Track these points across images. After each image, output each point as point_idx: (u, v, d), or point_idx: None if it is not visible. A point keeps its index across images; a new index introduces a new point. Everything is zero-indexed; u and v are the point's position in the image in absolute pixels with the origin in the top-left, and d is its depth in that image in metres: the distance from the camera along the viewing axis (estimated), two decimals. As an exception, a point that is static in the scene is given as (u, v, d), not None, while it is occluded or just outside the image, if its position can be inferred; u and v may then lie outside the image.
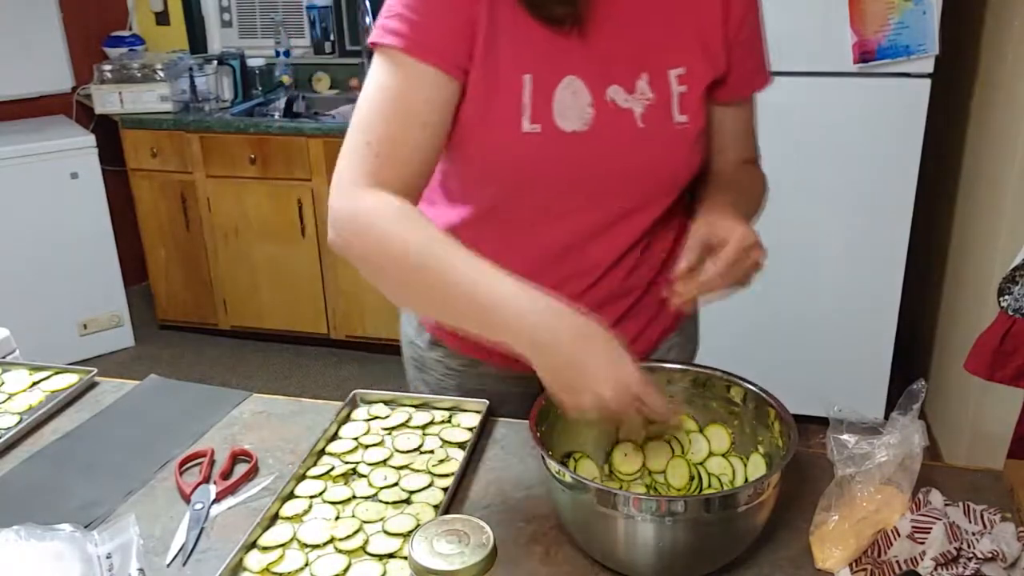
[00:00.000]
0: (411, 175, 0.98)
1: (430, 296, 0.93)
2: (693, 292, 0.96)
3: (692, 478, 1.01)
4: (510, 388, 1.20)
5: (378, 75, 0.98)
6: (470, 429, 1.14)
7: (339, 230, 0.96)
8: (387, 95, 0.97)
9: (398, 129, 0.97)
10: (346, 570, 0.91)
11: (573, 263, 1.10)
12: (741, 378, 1.01)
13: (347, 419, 1.18)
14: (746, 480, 0.99)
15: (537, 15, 0.98)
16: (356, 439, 1.12)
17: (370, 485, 1.04)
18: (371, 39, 0.99)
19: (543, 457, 0.89)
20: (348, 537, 0.95)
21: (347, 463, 1.08)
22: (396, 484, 1.04)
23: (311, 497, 1.02)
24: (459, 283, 0.89)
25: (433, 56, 0.96)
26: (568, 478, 0.87)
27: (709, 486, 1.00)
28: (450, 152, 1.05)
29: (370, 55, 1.01)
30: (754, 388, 0.99)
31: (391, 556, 0.92)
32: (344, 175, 0.98)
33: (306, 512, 1.00)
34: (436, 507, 1.00)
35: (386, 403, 1.20)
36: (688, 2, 1.03)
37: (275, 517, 0.99)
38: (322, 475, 1.06)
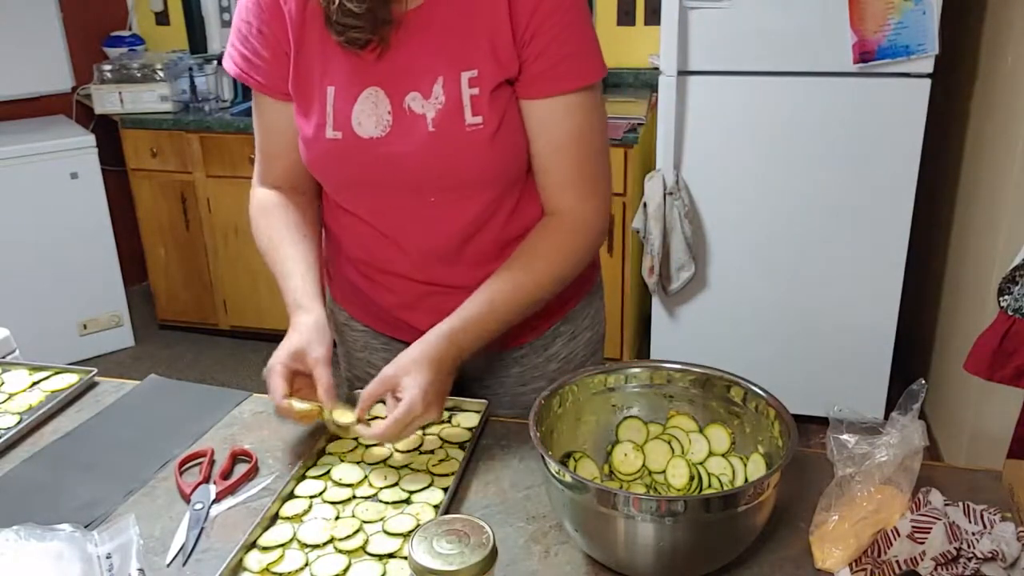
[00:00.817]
0: (284, 171, 1.24)
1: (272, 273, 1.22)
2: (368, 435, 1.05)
3: (692, 478, 1.01)
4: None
5: (252, 99, 1.23)
6: (470, 429, 1.15)
7: (250, 218, 1.26)
8: (254, 118, 1.23)
9: (264, 141, 1.24)
10: (346, 570, 0.91)
11: (410, 250, 1.19)
12: (741, 378, 1.01)
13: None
14: (746, 480, 0.99)
15: (341, 40, 1.08)
16: (356, 439, 1.12)
17: (370, 485, 1.04)
18: (224, 66, 1.22)
19: (543, 457, 0.89)
20: (348, 537, 0.95)
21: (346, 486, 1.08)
22: (396, 484, 1.04)
23: (311, 497, 1.02)
24: (277, 275, 1.22)
25: (261, 86, 1.18)
26: (568, 478, 0.87)
27: (709, 486, 1.00)
28: None
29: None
30: (754, 388, 0.99)
31: (391, 556, 0.92)
32: (253, 178, 1.28)
33: (306, 512, 1.00)
34: (436, 507, 1.00)
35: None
36: (481, 6, 1.07)
37: (275, 517, 0.99)
38: (322, 475, 1.06)
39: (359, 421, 1.06)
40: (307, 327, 1.14)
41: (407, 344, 1.10)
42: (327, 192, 1.23)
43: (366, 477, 1.06)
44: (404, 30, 1.08)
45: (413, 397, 1.01)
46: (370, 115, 1.10)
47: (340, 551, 0.93)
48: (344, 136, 1.11)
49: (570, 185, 1.14)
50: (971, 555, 0.86)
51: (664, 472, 1.03)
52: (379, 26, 1.06)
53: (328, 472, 1.07)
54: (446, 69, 1.08)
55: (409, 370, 1.04)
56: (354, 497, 1.02)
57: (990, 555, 0.86)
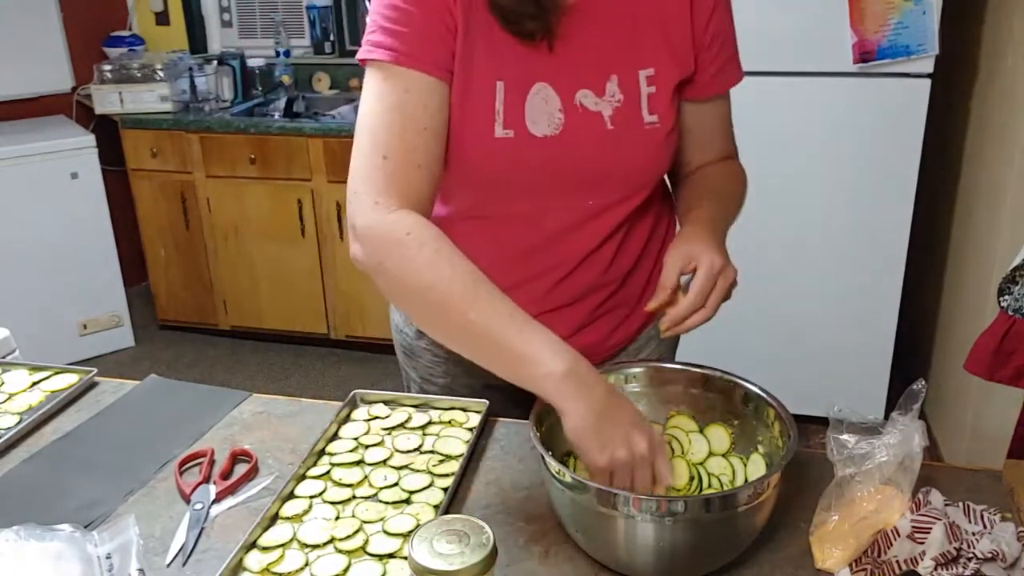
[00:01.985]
0: (423, 181, 1.00)
1: (457, 334, 0.96)
2: (675, 324, 1.00)
3: (692, 478, 1.01)
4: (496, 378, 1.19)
5: (376, 89, 0.99)
6: (470, 429, 1.14)
7: (369, 250, 0.96)
8: (389, 107, 0.98)
9: (407, 139, 0.98)
10: (346, 570, 0.91)
11: (549, 258, 1.13)
12: (741, 378, 1.01)
13: (347, 419, 1.18)
14: (746, 480, 0.99)
15: (509, 29, 1.01)
16: (356, 439, 1.12)
17: (370, 485, 1.04)
18: (360, 56, 1.01)
19: (543, 457, 0.89)
20: (348, 537, 0.95)
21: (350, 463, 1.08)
22: (396, 484, 1.04)
23: (311, 497, 1.02)
24: (488, 329, 0.92)
25: (422, 63, 0.98)
26: (568, 478, 0.87)
27: (709, 486, 1.00)
28: None
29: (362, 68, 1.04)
30: (754, 388, 0.99)
31: (391, 556, 0.92)
32: (365, 191, 0.97)
33: (306, 512, 1.00)
34: (436, 507, 1.00)
35: (386, 403, 1.20)
36: (655, 3, 1.06)
37: (275, 517, 0.99)
38: (322, 475, 1.06)
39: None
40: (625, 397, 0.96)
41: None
42: (448, 202, 1.13)
43: (366, 477, 1.06)
44: (570, 24, 1.03)
45: (711, 257, 1.02)
46: (542, 112, 1.04)
47: (340, 551, 0.93)
48: (517, 135, 1.03)
49: (726, 147, 1.22)
50: (971, 555, 0.86)
51: None
52: (545, 13, 1.00)
53: (328, 472, 1.06)
54: (620, 67, 1.05)
55: (689, 240, 1.04)
56: (354, 497, 1.02)
57: (990, 555, 0.86)
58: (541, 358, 0.89)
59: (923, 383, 0.93)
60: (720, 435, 1.02)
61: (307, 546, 0.94)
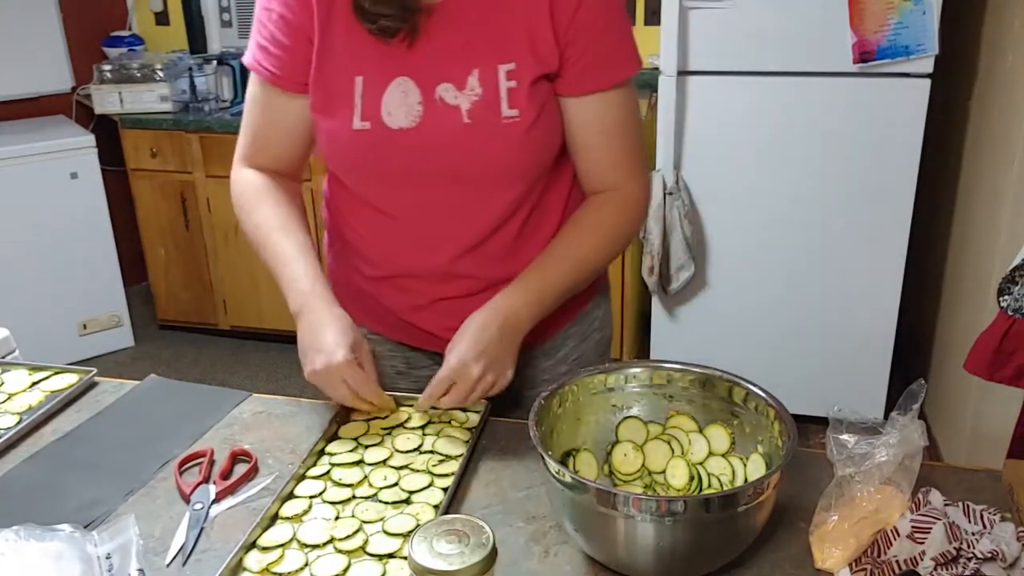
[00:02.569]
0: (276, 158, 1.23)
1: (262, 257, 1.20)
2: (421, 406, 1.11)
3: (692, 478, 1.01)
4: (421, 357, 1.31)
5: (250, 84, 1.21)
6: (470, 429, 1.14)
7: (232, 194, 1.28)
8: (253, 104, 1.21)
9: (261, 129, 1.22)
10: (346, 570, 0.91)
11: (431, 252, 1.17)
12: (741, 378, 1.01)
13: (347, 419, 1.17)
14: (746, 480, 0.99)
15: (370, 29, 1.07)
16: (356, 439, 1.12)
17: (370, 485, 1.04)
18: (244, 58, 1.20)
19: (543, 457, 0.89)
20: (348, 537, 0.95)
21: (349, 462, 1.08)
22: (396, 484, 1.04)
23: (311, 497, 1.02)
24: (274, 269, 1.17)
25: (278, 80, 1.15)
26: (568, 478, 0.87)
27: (709, 486, 1.00)
28: None
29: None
30: (754, 388, 0.99)
31: (391, 556, 0.92)
32: (236, 150, 1.28)
33: (306, 512, 1.00)
34: (436, 507, 1.00)
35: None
36: (518, 1, 1.07)
37: (275, 517, 0.99)
38: (322, 475, 1.06)
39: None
40: (347, 320, 1.11)
41: (413, 349, 1.11)
42: (343, 188, 1.21)
43: (366, 477, 1.06)
44: (435, 20, 1.07)
45: (448, 363, 1.06)
46: (400, 105, 1.09)
47: (340, 551, 0.93)
48: (373, 127, 1.10)
49: (616, 165, 1.17)
50: (971, 555, 0.86)
51: (664, 472, 1.03)
52: (409, 14, 1.05)
53: (328, 472, 1.06)
54: (482, 61, 1.07)
55: (454, 342, 1.08)
56: (354, 497, 1.02)
57: (990, 555, 0.86)
58: (286, 293, 1.16)
59: (922, 383, 0.93)
60: (720, 435, 1.02)
61: (307, 546, 0.94)
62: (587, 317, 1.31)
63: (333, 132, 1.13)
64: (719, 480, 1.00)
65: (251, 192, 1.23)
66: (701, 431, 1.04)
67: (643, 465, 1.03)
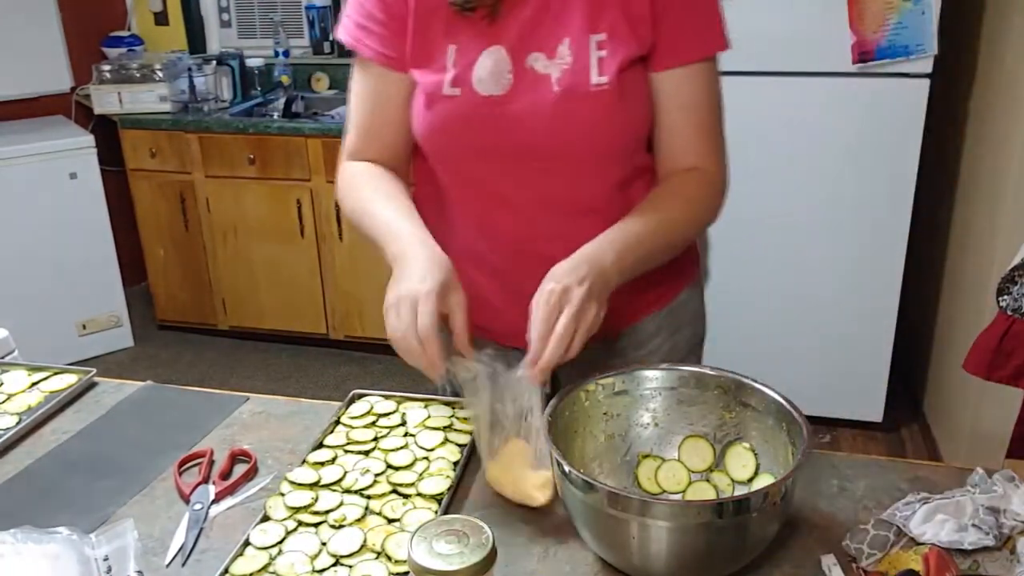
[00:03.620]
0: (387, 153, 1.20)
1: (363, 229, 1.15)
2: (541, 366, 0.96)
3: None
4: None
5: (354, 68, 1.20)
6: (470, 432, 1.14)
7: (337, 191, 1.22)
8: (357, 90, 1.20)
9: (367, 118, 1.20)
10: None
11: (519, 218, 1.14)
12: (758, 381, 0.99)
13: (338, 421, 1.17)
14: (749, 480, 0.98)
15: (454, 4, 1.08)
16: (342, 446, 1.11)
17: (381, 450, 1.05)
18: (338, 34, 1.19)
19: (556, 459, 0.87)
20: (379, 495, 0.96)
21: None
22: (394, 483, 1.03)
23: (306, 507, 1.01)
24: (371, 220, 1.13)
25: (375, 54, 1.14)
26: (579, 479, 0.85)
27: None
28: None
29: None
30: (771, 393, 0.97)
31: (391, 557, 0.92)
32: (342, 153, 1.24)
33: (290, 530, 0.97)
34: (437, 501, 1.00)
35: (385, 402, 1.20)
36: None
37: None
38: (311, 484, 1.05)
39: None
40: (447, 262, 1.02)
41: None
42: (429, 165, 1.18)
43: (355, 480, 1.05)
44: None
45: (544, 288, 0.97)
46: (491, 73, 1.08)
47: (335, 553, 0.93)
48: (463, 93, 1.09)
49: (694, 142, 1.14)
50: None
51: (683, 493, 1.01)
52: None
53: (317, 481, 1.05)
54: (574, 31, 1.07)
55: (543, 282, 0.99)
56: (343, 504, 1.02)
57: None
58: (387, 248, 1.07)
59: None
60: (744, 458, 0.99)
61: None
62: (679, 309, 1.28)
63: (427, 99, 1.11)
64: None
65: (358, 173, 1.19)
66: (722, 456, 1.00)
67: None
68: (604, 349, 1.23)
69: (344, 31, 1.17)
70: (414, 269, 1.00)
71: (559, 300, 0.96)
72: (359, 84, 1.19)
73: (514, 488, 0.99)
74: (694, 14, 1.10)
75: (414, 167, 1.24)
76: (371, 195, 1.15)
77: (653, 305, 1.25)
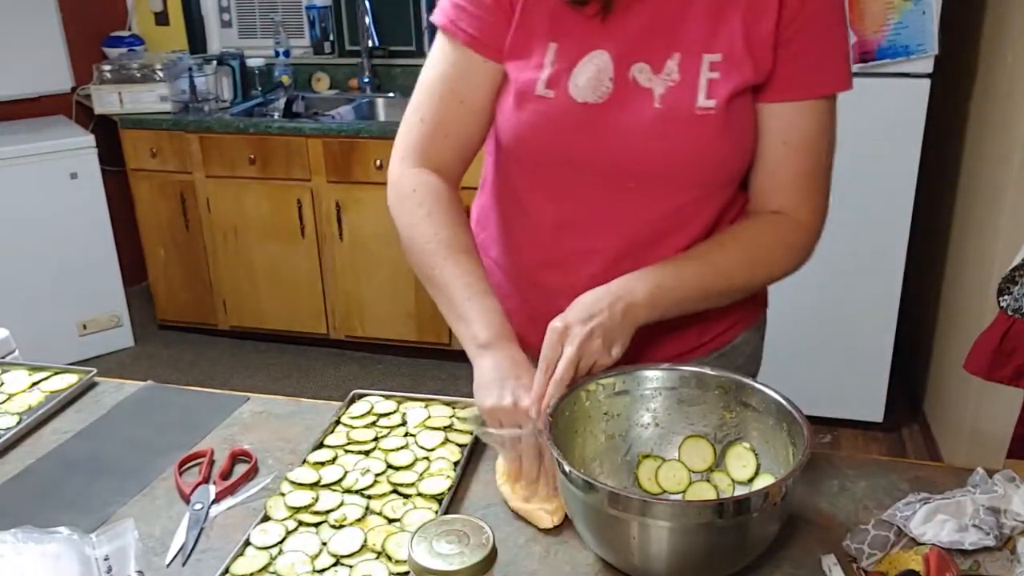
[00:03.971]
0: (448, 149, 1.09)
1: (427, 283, 1.07)
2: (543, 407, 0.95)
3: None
4: None
5: (434, 55, 1.09)
6: (470, 431, 1.14)
7: (391, 198, 1.11)
8: (436, 76, 1.08)
9: (443, 110, 1.08)
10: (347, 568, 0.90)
11: (592, 241, 1.08)
12: (762, 383, 0.99)
13: (338, 422, 1.17)
14: (749, 481, 0.98)
15: None
16: (342, 446, 1.12)
17: (382, 450, 1.05)
18: (433, 17, 1.09)
19: (557, 459, 0.87)
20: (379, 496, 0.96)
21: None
22: (395, 483, 1.04)
23: (306, 507, 1.01)
24: (445, 288, 1.04)
25: (470, 39, 1.05)
26: (579, 479, 0.85)
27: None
28: None
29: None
30: (773, 394, 0.97)
31: (392, 557, 0.92)
32: (399, 146, 1.12)
33: (292, 532, 0.98)
34: (437, 500, 1.00)
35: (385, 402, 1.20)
36: None
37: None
38: (311, 484, 1.05)
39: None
40: (525, 361, 0.99)
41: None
42: (502, 170, 1.11)
43: (355, 480, 1.05)
44: None
45: (550, 327, 0.95)
46: (590, 79, 1.00)
47: (336, 555, 0.93)
48: (556, 96, 1.01)
49: (791, 184, 1.06)
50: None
51: (683, 494, 1.00)
52: None
53: (318, 481, 1.06)
54: (686, 46, 0.99)
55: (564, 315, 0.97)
56: (344, 504, 1.02)
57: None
58: (471, 323, 1.00)
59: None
60: (745, 458, 0.99)
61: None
62: (733, 352, 1.19)
63: (517, 97, 1.03)
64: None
65: (420, 188, 1.07)
66: (722, 457, 1.00)
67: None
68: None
69: (440, 12, 1.07)
70: (524, 379, 0.96)
71: (559, 339, 0.95)
72: (441, 69, 1.07)
73: (524, 507, 0.98)
74: (820, 46, 1.01)
75: (485, 171, 1.17)
76: (442, 236, 1.05)
77: (706, 346, 1.17)
